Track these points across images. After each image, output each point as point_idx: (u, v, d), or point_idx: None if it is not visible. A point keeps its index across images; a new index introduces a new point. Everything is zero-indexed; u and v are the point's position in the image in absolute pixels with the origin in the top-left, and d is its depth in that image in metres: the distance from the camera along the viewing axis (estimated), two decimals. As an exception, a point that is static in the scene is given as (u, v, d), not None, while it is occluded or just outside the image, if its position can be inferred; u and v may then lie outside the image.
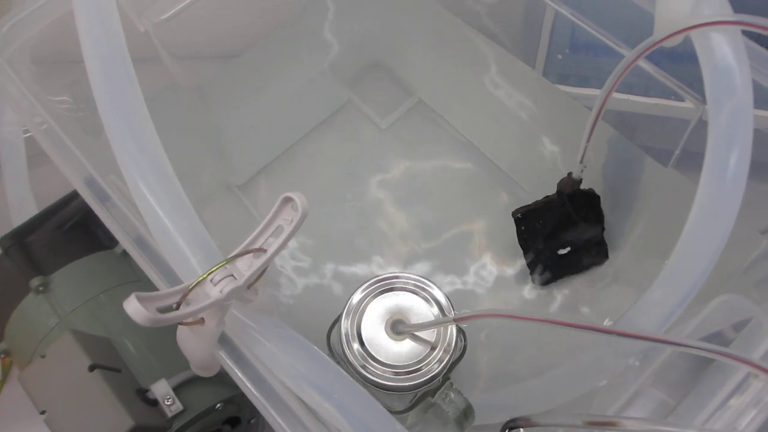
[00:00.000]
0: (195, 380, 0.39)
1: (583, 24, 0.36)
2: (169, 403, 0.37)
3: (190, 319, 0.23)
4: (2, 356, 0.44)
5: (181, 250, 0.25)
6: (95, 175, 0.30)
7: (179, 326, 0.24)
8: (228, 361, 0.25)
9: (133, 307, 0.20)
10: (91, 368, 0.37)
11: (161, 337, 0.42)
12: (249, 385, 0.24)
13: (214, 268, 0.22)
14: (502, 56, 0.45)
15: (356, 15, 0.51)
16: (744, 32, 0.28)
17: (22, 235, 0.45)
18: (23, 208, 0.50)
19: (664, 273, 0.31)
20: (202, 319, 0.24)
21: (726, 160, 0.30)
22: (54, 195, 0.46)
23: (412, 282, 0.36)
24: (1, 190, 0.51)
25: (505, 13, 0.43)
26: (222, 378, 0.41)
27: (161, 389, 0.37)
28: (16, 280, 0.44)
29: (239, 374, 0.25)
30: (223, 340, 0.25)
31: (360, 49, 0.53)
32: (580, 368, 0.34)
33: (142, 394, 0.37)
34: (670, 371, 0.30)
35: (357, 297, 0.36)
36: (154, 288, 0.45)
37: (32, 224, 0.45)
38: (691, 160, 0.39)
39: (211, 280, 0.23)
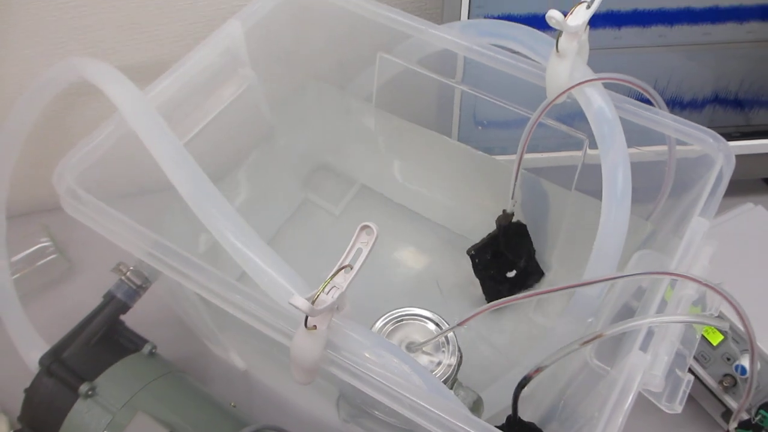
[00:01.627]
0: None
1: (490, 99, 0.51)
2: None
3: (313, 324, 0.32)
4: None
5: (283, 285, 0.34)
6: (160, 239, 0.39)
7: (296, 338, 0.33)
8: (332, 353, 0.34)
9: (300, 300, 0.29)
10: (170, 434, 0.43)
11: (199, 418, 0.49)
12: (351, 362, 0.34)
13: (326, 282, 0.32)
14: (425, 134, 0.59)
15: (305, 131, 0.64)
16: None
17: (57, 353, 0.50)
18: (31, 343, 0.54)
19: (593, 257, 0.45)
20: (315, 326, 0.33)
21: (616, 176, 0.44)
22: (54, 323, 0.51)
23: (405, 313, 0.47)
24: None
25: (422, 100, 0.58)
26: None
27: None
28: (58, 395, 0.49)
29: (339, 357, 0.34)
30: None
31: (310, 155, 0.66)
32: (557, 338, 0.46)
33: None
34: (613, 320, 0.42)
35: (378, 324, 0.46)
36: (182, 378, 0.51)
37: (64, 343, 0.50)
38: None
39: (323, 293, 0.32)
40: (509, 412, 0.40)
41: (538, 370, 0.39)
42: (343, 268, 0.33)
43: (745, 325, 0.36)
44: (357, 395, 0.43)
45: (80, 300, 0.52)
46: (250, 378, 0.59)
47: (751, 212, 0.64)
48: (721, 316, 0.54)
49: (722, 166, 0.43)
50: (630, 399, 0.34)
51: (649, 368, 0.35)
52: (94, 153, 0.44)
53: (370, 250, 0.33)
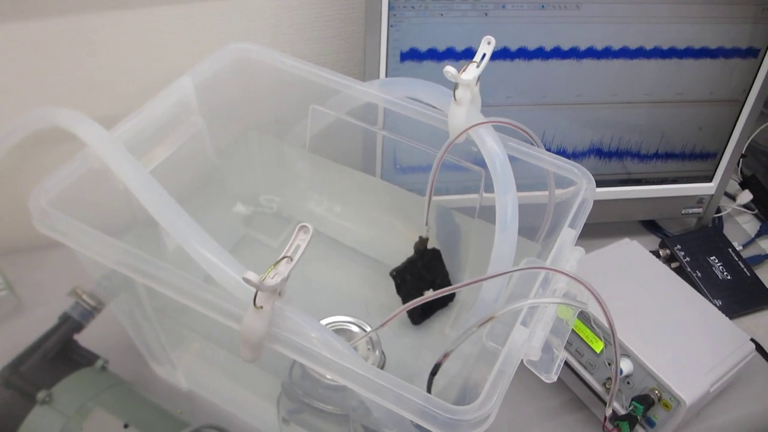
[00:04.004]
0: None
1: (405, 141, 0.62)
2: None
3: (260, 304, 0.40)
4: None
5: (232, 276, 0.42)
6: (129, 247, 0.46)
7: (246, 317, 0.41)
8: (276, 330, 0.41)
9: (252, 275, 0.37)
10: (126, 426, 0.49)
11: (149, 419, 0.55)
12: (290, 336, 0.41)
13: (270, 268, 0.40)
14: (352, 174, 0.68)
15: (247, 174, 0.72)
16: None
17: (16, 366, 0.55)
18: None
19: (491, 264, 0.54)
20: (262, 306, 0.40)
21: (506, 204, 0.54)
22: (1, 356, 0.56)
23: (332, 321, 0.56)
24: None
25: (349, 145, 0.68)
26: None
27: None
28: (15, 404, 0.53)
29: (281, 332, 0.41)
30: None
31: (251, 196, 0.74)
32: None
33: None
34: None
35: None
36: (131, 389, 0.56)
37: (22, 357, 0.55)
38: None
39: (268, 277, 0.40)
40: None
41: (445, 356, 0.48)
42: (284, 258, 0.41)
43: (602, 308, 0.46)
44: (298, 383, 0.50)
45: (28, 335, 0.57)
46: (193, 396, 0.65)
47: (628, 246, 0.77)
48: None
49: (585, 189, 0.54)
50: (513, 362, 0.43)
51: (528, 340, 0.44)
52: (63, 183, 0.50)
53: (306, 245, 0.42)
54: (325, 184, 0.72)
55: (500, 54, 0.67)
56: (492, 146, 0.54)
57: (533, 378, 0.47)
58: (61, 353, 0.57)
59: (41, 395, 0.52)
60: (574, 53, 0.69)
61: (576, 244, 0.51)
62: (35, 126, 0.54)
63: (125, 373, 0.59)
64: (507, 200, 0.54)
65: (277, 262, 0.41)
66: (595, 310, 0.46)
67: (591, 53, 0.69)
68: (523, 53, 0.68)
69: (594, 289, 0.45)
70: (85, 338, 0.59)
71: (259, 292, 0.40)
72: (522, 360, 0.44)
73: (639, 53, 0.70)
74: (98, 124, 0.52)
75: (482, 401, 0.40)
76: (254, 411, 0.62)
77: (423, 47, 0.66)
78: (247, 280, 0.38)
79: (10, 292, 0.71)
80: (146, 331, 0.61)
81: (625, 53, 0.70)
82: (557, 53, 0.69)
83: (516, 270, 0.48)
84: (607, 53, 0.70)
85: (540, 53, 0.68)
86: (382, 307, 0.68)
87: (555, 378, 0.46)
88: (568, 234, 0.51)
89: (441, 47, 0.66)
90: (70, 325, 0.58)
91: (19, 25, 0.66)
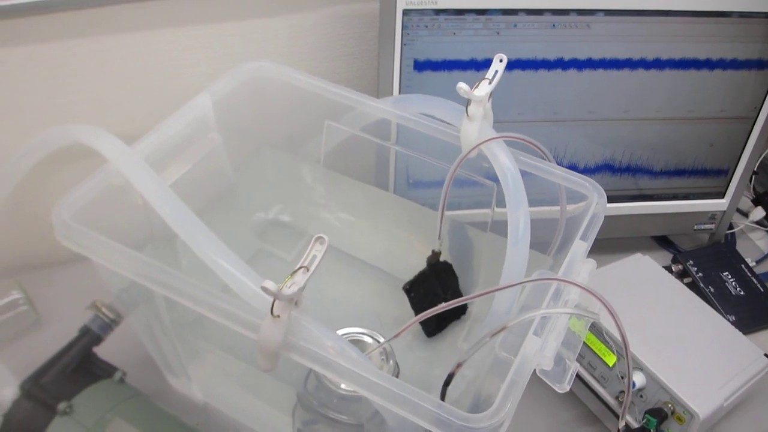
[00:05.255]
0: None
1: (418, 156, 0.63)
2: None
3: (277, 313, 0.41)
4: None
5: (250, 286, 0.43)
6: (148, 259, 0.47)
7: (263, 326, 0.41)
8: (292, 338, 0.42)
9: (270, 284, 0.38)
10: (143, 437, 0.50)
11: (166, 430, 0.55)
12: (306, 344, 0.42)
13: (288, 278, 0.41)
14: (366, 189, 0.69)
15: (262, 189, 0.73)
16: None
17: (37, 378, 0.56)
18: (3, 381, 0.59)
19: (503, 277, 0.55)
20: (279, 315, 0.41)
21: (518, 218, 0.55)
22: (21, 370, 0.56)
23: (345, 332, 0.56)
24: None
25: (363, 160, 0.69)
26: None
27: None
28: (36, 416, 0.54)
29: (298, 340, 0.42)
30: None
31: (266, 211, 0.75)
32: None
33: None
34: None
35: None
36: (149, 400, 0.57)
37: (43, 370, 0.56)
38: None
39: (285, 287, 0.41)
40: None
41: (458, 366, 0.48)
42: (301, 268, 0.42)
43: (614, 320, 0.46)
44: (313, 394, 0.51)
45: (47, 348, 0.58)
46: (209, 409, 0.65)
47: (640, 260, 0.77)
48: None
49: (596, 203, 0.55)
50: (526, 371, 0.43)
51: (540, 350, 0.44)
52: (84, 198, 0.52)
53: (322, 256, 0.43)
54: (339, 199, 0.73)
55: (514, 65, 0.69)
56: (504, 161, 0.55)
57: (546, 392, 0.48)
58: (80, 365, 0.58)
59: (62, 406, 0.53)
60: (585, 67, 0.70)
61: (588, 258, 0.52)
62: (55, 143, 0.56)
63: (142, 385, 0.60)
64: (519, 214, 0.55)
65: (294, 272, 0.42)
66: (607, 323, 0.46)
67: (601, 66, 0.70)
68: (536, 66, 0.69)
69: (605, 300, 0.46)
70: (103, 351, 0.60)
71: (276, 301, 0.41)
72: (535, 371, 0.45)
73: (650, 64, 0.71)
74: (118, 139, 0.53)
75: (495, 409, 0.40)
76: (269, 422, 0.63)
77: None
78: (265, 289, 0.39)
79: (30, 307, 0.73)
80: (163, 344, 0.62)
81: (634, 64, 0.71)
82: (568, 68, 0.70)
83: (528, 281, 0.48)
84: (616, 65, 0.71)
85: (551, 66, 0.70)
86: (395, 319, 0.68)
87: (568, 388, 0.46)
88: (580, 246, 0.52)
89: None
90: (89, 337, 0.59)
91: (38, 47, 0.68)
